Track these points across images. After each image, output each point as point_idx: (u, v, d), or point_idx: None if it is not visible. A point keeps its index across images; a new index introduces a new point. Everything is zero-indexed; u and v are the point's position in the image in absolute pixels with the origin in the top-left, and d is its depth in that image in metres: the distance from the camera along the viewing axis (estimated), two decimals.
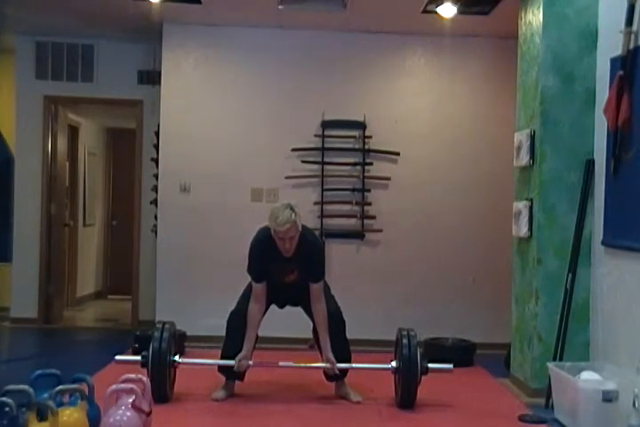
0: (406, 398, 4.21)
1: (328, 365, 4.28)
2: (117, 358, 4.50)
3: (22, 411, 3.04)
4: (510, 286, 5.13)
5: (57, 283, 7.22)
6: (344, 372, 4.46)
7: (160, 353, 4.15)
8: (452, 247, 6.31)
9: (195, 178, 6.26)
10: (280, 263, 4.29)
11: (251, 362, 4.32)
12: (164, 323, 4.36)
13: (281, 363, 4.41)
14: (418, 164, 6.32)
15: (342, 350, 4.41)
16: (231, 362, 4.28)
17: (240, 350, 4.32)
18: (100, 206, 9.30)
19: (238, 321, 4.36)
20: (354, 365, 4.41)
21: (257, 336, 4.40)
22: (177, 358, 4.33)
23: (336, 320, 4.38)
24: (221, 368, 4.47)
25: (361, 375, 4.56)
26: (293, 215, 4.10)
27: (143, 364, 4.17)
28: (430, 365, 4.21)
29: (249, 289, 4.43)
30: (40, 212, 6.95)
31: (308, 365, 4.41)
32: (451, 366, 4.35)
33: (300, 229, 4.21)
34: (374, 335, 5.96)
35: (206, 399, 4.36)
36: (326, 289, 4.45)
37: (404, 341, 4.20)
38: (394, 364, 4.29)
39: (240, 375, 4.46)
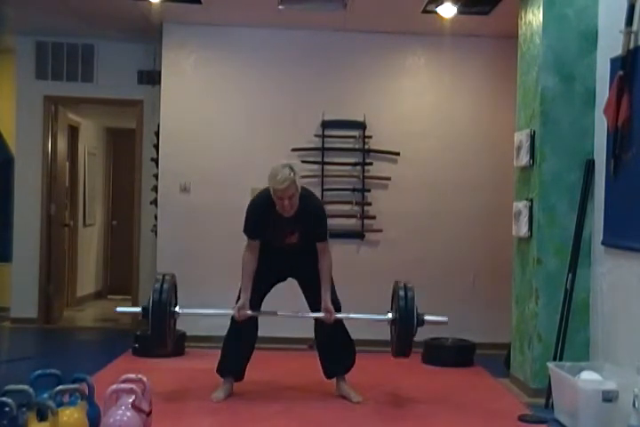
0: (401, 348, 4.23)
1: (326, 314, 4.27)
2: (118, 309, 4.53)
3: (22, 411, 3.04)
4: (510, 286, 5.13)
5: (57, 283, 7.22)
6: (344, 368, 4.47)
7: (160, 304, 4.14)
8: (452, 247, 6.31)
9: (195, 178, 6.26)
10: (279, 224, 4.24)
11: (249, 311, 4.29)
12: (164, 274, 4.33)
13: (279, 312, 4.38)
14: (418, 164, 6.32)
15: (345, 349, 4.45)
16: (230, 311, 4.28)
17: (238, 367, 4.39)
18: (100, 206, 9.30)
19: (237, 339, 4.41)
20: (351, 315, 4.41)
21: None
22: (177, 309, 4.32)
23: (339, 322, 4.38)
24: (220, 368, 4.49)
25: (361, 375, 4.55)
26: (292, 174, 4.07)
27: (144, 315, 4.19)
28: (426, 317, 4.22)
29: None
30: (40, 212, 6.96)
31: (307, 315, 4.36)
32: (446, 318, 4.35)
33: (300, 190, 4.17)
34: (374, 335, 5.95)
35: (206, 400, 4.36)
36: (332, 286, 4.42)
37: (401, 292, 4.21)
38: (390, 315, 4.31)
39: (239, 375, 4.47)
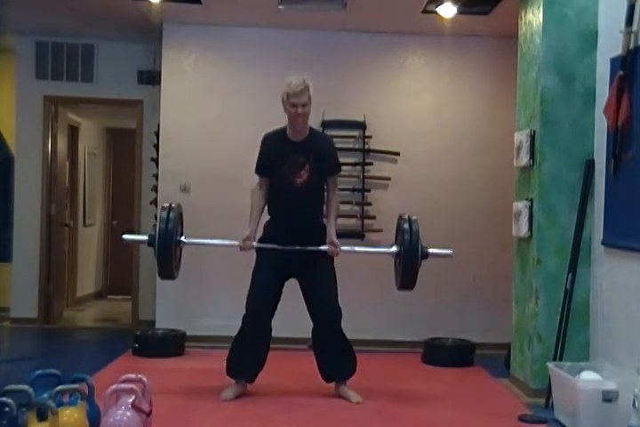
0: (406, 281, 4.25)
1: (330, 247, 4.28)
2: (125, 237, 4.55)
3: (22, 411, 3.03)
4: (510, 285, 5.13)
5: (57, 283, 7.22)
6: (344, 373, 4.44)
7: (167, 233, 4.15)
8: (451, 247, 6.26)
9: (195, 178, 6.26)
10: (291, 153, 4.29)
11: (254, 243, 4.32)
12: (170, 204, 4.32)
13: (286, 247, 4.31)
14: (418, 164, 6.32)
15: (346, 354, 4.43)
16: (235, 242, 4.30)
17: (252, 363, 4.36)
18: (100, 206, 9.30)
19: (251, 328, 4.36)
20: (356, 248, 4.45)
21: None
22: (183, 238, 4.33)
23: (335, 319, 4.36)
24: (230, 369, 4.42)
25: (361, 375, 4.54)
26: (307, 81, 4.23)
27: (150, 243, 4.19)
28: (430, 250, 4.24)
29: (254, 287, 4.40)
30: (40, 212, 6.96)
31: (311, 248, 4.30)
32: (450, 251, 4.39)
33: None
34: (374, 335, 5.97)
35: (206, 400, 4.36)
36: (334, 284, 4.42)
37: (405, 226, 4.22)
38: (395, 248, 4.31)
39: (252, 377, 4.43)
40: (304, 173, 4.32)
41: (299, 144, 4.34)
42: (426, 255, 4.22)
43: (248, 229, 4.34)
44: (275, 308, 4.39)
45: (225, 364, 4.46)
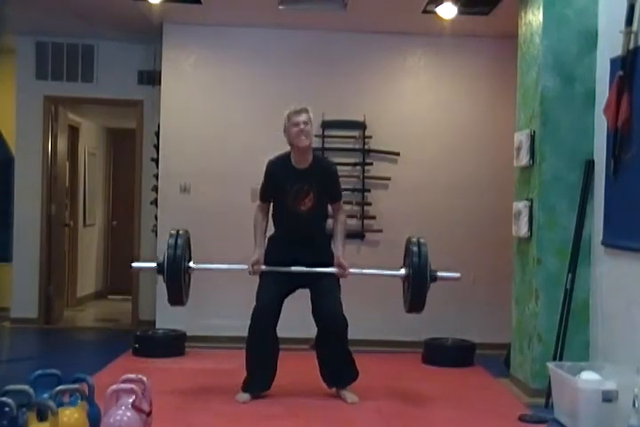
0: (415, 304, 4.25)
1: (339, 269, 4.31)
2: (134, 264, 4.63)
3: (22, 411, 3.03)
4: (510, 285, 5.13)
5: (57, 283, 7.22)
6: (346, 381, 4.45)
7: (175, 260, 4.18)
8: (451, 247, 6.29)
9: (195, 178, 6.26)
10: (296, 182, 4.33)
11: (263, 266, 4.33)
12: (178, 230, 4.35)
13: (293, 268, 4.31)
14: (418, 164, 6.32)
15: (348, 363, 4.44)
16: (244, 266, 4.32)
17: (265, 375, 4.38)
18: (100, 206, 9.30)
19: (260, 323, 4.36)
20: (365, 271, 4.46)
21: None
22: (191, 264, 4.35)
23: (342, 327, 4.37)
24: (247, 385, 4.41)
25: (361, 375, 4.53)
26: (306, 107, 4.37)
27: (159, 271, 4.21)
28: (439, 273, 4.23)
29: (263, 286, 4.41)
30: (40, 212, 6.95)
31: (320, 269, 4.32)
32: (458, 274, 4.36)
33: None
34: (374, 336, 5.96)
35: (206, 400, 4.36)
36: (337, 289, 4.43)
37: (414, 248, 4.23)
38: (403, 271, 4.31)
39: (267, 386, 4.42)
40: (308, 202, 4.36)
41: (303, 171, 4.37)
42: (434, 279, 4.22)
43: (256, 253, 4.36)
44: (278, 316, 4.40)
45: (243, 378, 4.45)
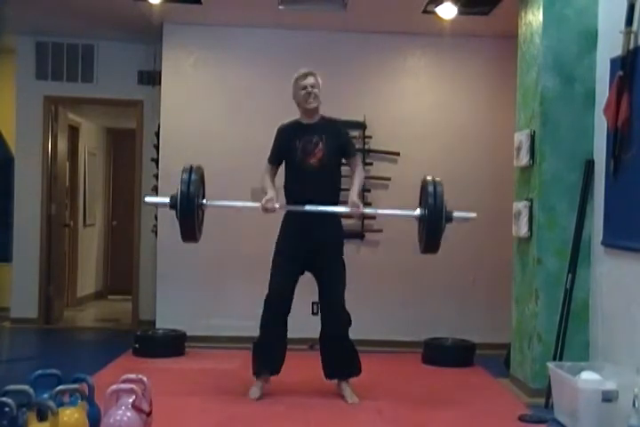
0: (430, 245, 4.20)
1: (353, 208, 4.29)
2: (147, 199, 4.65)
3: (22, 411, 3.04)
4: (510, 285, 5.13)
5: (57, 283, 7.22)
6: (347, 373, 4.46)
7: (189, 195, 4.11)
8: (451, 247, 6.27)
9: None
10: (304, 135, 4.38)
11: (277, 205, 4.31)
12: (191, 166, 4.27)
13: (307, 207, 4.28)
14: (418, 164, 6.29)
15: (351, 358, 4.46)
16: (257, 204, 4.30)
17: (276, 355, 4.40)
18: (100, 206, 9.30)
19: (274, 308, 4.36)
20: (379, 211, 4.46)
21: None
22: (204, 200, 4.32)
23: (343, 323, 4.41)
24: (255, 366, 4.43)
25: (361, 375, 4.54)
26: (313, 71, 4.43)
27: (171, 206, 4.17)
28: (455, 213, 4.17)
29: (275, 271, 4.41)
30: (40, 212, 6.95)
31: (333, 209, 4.31)
32: (474, 214, 4.32)
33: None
34: (374, 336, 5.96)
35: (206, 400, 4.36)
36: (343, 280, 4.43)
37: (430, 188, 4.17)
38: (418, 211, 4.27)
39: (276, 368, 4.43)
40: (318, 153, 4.37)
41: (312, 125, 4.45)
42: (450, 219, 4.15)
43: (269, 193, 4.33)
44: (291, 299, 4.41)
45: (251, 364, 4.47)
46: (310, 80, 4.40)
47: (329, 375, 4.49)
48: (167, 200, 4.21)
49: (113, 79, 6.89)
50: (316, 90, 4.40)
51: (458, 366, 5.51)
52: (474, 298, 6.23)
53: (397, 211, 4.46)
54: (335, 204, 4.43)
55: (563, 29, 4.60)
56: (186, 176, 4.16)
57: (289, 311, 4.42)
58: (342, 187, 4.59)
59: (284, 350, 4.46)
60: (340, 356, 4.44)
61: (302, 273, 4.45)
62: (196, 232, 4.27)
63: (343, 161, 4.55)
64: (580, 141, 4.57)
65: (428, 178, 4.26)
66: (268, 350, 4.43)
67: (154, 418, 3.46)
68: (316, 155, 4.38)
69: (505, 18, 5.46)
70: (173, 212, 6.14)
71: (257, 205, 4.31)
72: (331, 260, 4.41)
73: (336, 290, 4.38)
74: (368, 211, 4.33)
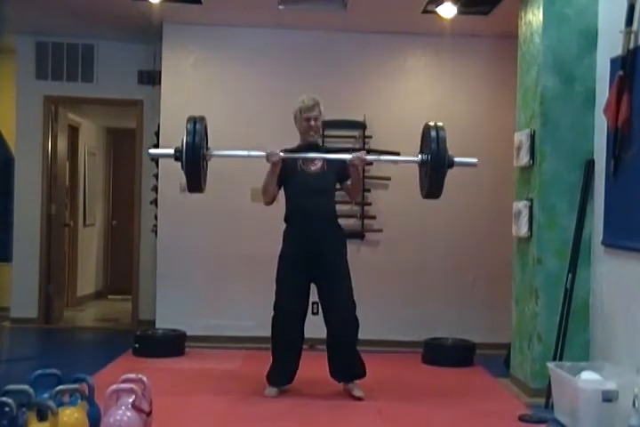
0: (432, 190, 4.23)
1: (355, 155, 4.33)
2: (150, 151, 4.66)
3: (22, 411, 3.03)
4: (510, 285, 5.13)
5: (57, 283, 7.22)
6: (355, 375, 4.49)
7: (194, 146, 4.09)
8: (451, 247, 6.31)
9: None
10: (305, 152, 4.48)
11: (282, 153, 4.35)
12: (194, 116, 4.26)
13: (310, 154, 4.42)
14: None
15: (356, 361, 4.50)
16: (262, 153, 4.33)
17: (289, 376, 4.47)
18: (100, 206, 9.30)
19: (282, 327, 4.43)
20: (382, 157, 4.60)
21: None
22: (208, 150, 4.31)
23: (353, 331, 4.44)
24: (270, 376, 4.50)
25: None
26: (317, 98, 4.50)
27: (177, 157, 4.15)
28: (456, 158, 4.17)
29: (281, 287, 4.44)
30: (40, 212, 6.95)
31: (339, 155, 4.43)
32: (475, 160, 4.33)
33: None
34: (374, 336, 5.95)
35: (206, 400, 4.36)
36: (350, 292, 4.47)
37: (432, 134, 4.16)
38: (420, 157, 4.29)
39: (289, 379, 4.50)
40: (318, 162, 4.47)
41: (312, 143, 4.55)
42: (451, 164, 4.15)
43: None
44: (303, 320, 4.47)
45: (267, 373, 4.53)
46: (315, 113, 4.47)
47: (338, 379, 4.53)
48: (172, 151, 4.19)
49: (113, 79, 6.89)
50: (319, 123, 4.51)
51: (458, 366, 5.51)
52: (474, 298, 6.23)
53: (401, 157, 4.52)
54: (334, 210, 4.56)
55: (563, 29, 4.60)
56: (190, 126, 4.15)
57: (302, 336, 4.49)
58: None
59: (297, 362, 4.52)
60: (349, 361, 4.47)
61: (309, 287, 4.47)
62: (202, 182, 4.27)
63: (337, 186, 4.63)
64: (580, 141, 4.57)
65: (430, 123, 4.26)
66: (283, 368, 4.50)
67: (154, 418, 3.46)
68: (316, 164, 4.49)
69: (505, 18, 5.46)
70: (174, 213, 6.25)
71: (262, 153, 4.35)
72: (336, 262, 4.42)
73: (346, 294, 4.42)
74: (370, 158, 4.41)
